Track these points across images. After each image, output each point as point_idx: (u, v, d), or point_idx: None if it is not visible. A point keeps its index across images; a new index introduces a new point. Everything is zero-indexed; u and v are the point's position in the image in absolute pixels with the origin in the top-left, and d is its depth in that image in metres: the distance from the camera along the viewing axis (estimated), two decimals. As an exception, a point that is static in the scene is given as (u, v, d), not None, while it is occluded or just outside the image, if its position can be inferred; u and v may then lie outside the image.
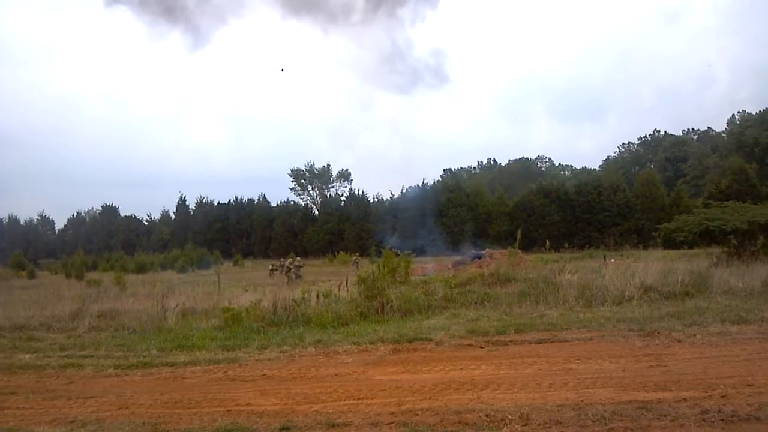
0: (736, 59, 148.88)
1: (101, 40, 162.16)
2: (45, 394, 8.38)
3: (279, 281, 30.81)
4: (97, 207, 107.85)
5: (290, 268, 36.95)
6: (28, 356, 11.35)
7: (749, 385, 6.80)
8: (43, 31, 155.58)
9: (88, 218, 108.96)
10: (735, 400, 6.28)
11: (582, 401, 6.46)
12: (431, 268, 28.69)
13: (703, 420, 5.71)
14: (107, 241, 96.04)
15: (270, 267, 41.73)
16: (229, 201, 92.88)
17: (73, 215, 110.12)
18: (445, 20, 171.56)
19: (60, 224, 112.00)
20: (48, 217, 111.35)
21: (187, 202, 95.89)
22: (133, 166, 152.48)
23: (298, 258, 40.57)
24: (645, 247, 36.74)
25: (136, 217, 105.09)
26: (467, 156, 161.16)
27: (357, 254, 48.07)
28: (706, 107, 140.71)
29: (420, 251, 36.00)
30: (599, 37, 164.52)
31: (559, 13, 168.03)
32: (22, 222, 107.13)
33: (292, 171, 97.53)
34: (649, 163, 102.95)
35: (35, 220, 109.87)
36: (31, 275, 54.32)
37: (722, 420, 5.69)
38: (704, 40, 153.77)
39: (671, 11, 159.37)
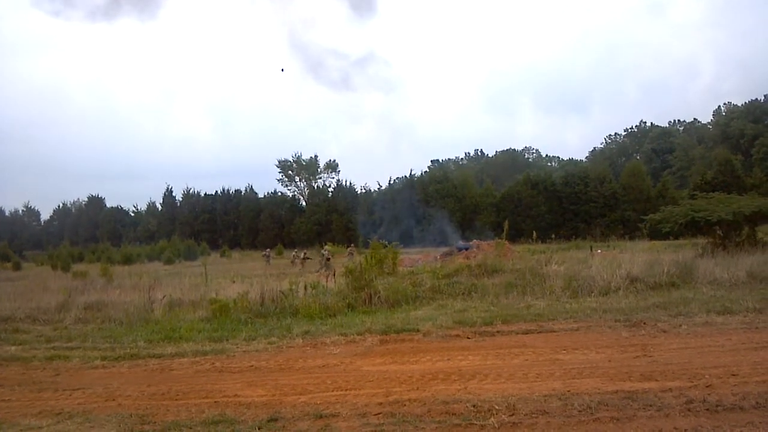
0: (720, 51, 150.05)
1: (84, 30, 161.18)
2: (31, 386, 8.34)
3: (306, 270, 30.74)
4: (83, 198, 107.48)
5: (305, 258, 36.38)
6: (14, 348, 11.29)
7: (734, 375, 6.86)
8: (25, 22, 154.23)
9: (73, 209, 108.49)
10: (720, 389, 6.33)
11: (568, 391, 6.49)
12: (419, 259, 28.74)
13: (688, 410, 5.75)
14: (93, 233, 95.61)
15: (302, 255, 41.15)
16: (216, 192, 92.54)
17: (58, 206, 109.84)
18: (432, 11, 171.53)
19: (45, 215, 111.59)
20: (33, 208, 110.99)
21: (173, 194, 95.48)
22: (118, 157, 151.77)
23: (328, 247, 39.72)
24: (631, 238, 36.85)
25: (122, 208, 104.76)
26: (454, 147, 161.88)
27: (352, 245, 47.57)
28: (690, 99, 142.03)
29: (407, 242, 36.05)
30: (584, 29, 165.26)
31: (543, 4, 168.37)
32: (7, 213, 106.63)
33: (279, 162, 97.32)
34: (635, 155, 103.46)
35: (20, 211, 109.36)
36: (17, 267, 54.08)
37: (707, 410, 5.73)
38: (689, 32, 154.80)
39: (655, 3, 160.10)
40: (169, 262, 53.49)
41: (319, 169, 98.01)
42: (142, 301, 15.02)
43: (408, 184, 79.12)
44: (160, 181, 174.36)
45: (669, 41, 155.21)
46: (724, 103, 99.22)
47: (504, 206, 69.75)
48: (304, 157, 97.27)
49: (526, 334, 10.11)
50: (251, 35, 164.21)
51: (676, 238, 30.31)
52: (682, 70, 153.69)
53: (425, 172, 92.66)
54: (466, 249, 29.48)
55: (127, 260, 55.49)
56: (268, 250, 52.88)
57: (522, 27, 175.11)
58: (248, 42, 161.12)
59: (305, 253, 42.20)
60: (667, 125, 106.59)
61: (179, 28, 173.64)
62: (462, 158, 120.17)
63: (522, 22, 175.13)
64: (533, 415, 5.80)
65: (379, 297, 14.03)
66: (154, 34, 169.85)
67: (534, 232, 26.61)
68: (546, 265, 16.04)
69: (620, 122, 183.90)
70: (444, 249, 34.03)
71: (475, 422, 5.71)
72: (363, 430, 5.68)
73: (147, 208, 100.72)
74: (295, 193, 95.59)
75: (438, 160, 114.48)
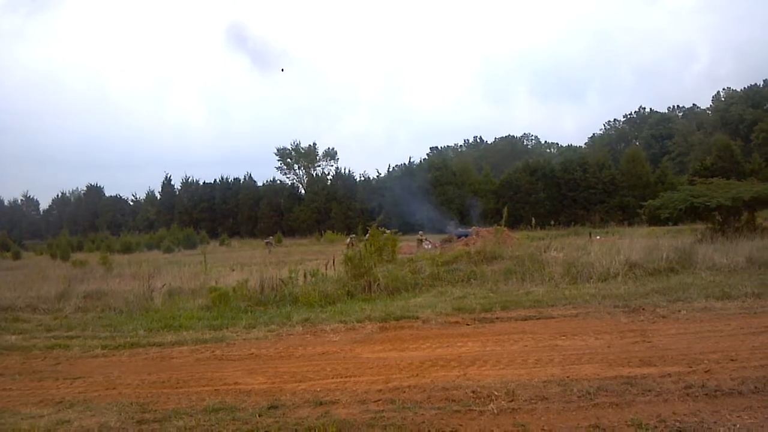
0: (715, 36, 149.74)
1: (78, 18, 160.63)
2: (32, 375, 8.35)
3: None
4: (82, 187, 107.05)
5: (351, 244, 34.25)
6: (14, 337, 11.30)
7: (733, 360, 6.87)
8: (18, 11, 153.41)
9: (73, 198, 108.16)
10: (719, 375, 6.34)
11: (567, 377, 6.51)
12: (420, 245, 28.77)
13: (687, 395, 5.76)
14: (92, 222, 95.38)
15: (348, 241, 39.09)
16: (215, 180, 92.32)
17: (57, 196, 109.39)
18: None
19: (44, 205, 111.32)
20: (32, 198, 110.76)
21: (172, 182, 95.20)
22: (116, 146, 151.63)
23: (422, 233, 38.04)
24: (630, 224, 36.94)
25: (121, 197, 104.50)
26: (453, 134, 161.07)
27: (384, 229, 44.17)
28: (687, 84, 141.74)
29: (407, 229, 35.99)
30: (578, 15, 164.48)
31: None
32: (6, 202, 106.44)
33: (278, 150, 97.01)
34: (634, 141, 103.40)
35: (19, 201, 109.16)
36: (16, 256, 53.98)
37: (706, 395, 5.74)
38: (683, 17, 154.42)
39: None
40: (168, 250, 53.40)
41: (317, 157, 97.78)
42: (142, 290, 15.02)
43: (407, 172, 79.13)
44: (158, 169, 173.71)
45: (664, 26, 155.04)
46: (723, 89, 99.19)
47: (503, 193, 69.84)
48: (302, 145, 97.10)
49: (526, 320, 10.12)
50: (250, 25, 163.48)
51: (676, 223, 30.33)
52: (678, 55, 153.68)
53: (424, 159, 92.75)
54: (466, 236, 29.52)
55: (127, 249, 55.42)
56: (270, 237, 52.71)
57: (516, 12, 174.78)
58: (248, 31, 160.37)
59: (350, 239, 41.28)
60: (666, 111, 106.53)
61: (173, 15, 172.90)
62: (461, 145, 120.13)
63: (516, 6, 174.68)
64: (532, 401, 5.82)
65: (378, 284, 14.05)
66: (148, 21, 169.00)
67: (533, 218, 26.64)
68: (545, 252, 16.07)
69: (618, 108, 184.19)
70: (443, 236, 34.06)
71: (475, 408, 5.72)
72: (363, 417, 5.68)
73: (146, 197, 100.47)
74: (294, 181, 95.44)
75: (437, 147, 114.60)
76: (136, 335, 10.77)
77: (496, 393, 6.07)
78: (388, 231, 18.81)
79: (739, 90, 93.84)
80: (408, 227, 38.52)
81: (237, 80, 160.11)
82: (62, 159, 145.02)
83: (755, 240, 17.30)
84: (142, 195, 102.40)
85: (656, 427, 5.06)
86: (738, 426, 5.01)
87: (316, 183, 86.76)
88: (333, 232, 62.17)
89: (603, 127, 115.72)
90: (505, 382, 6.44)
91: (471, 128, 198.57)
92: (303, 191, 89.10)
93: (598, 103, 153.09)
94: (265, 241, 49.55)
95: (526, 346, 8.27)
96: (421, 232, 34.76)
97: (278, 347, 9.27)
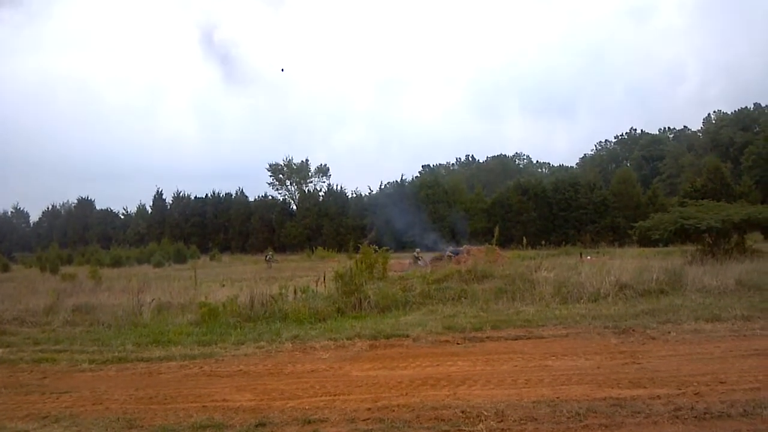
0: (705, 57, 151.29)
1: (68, 29, 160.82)
2: (18, 389, 8.28)
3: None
4: (73, 200, 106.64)
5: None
6: (0, 351, 11.19)
7: (722, 383, 6.89)
8: (7, 22, 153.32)
9: (63, 211, 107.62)
10: (708, 397, 6.35)
11: (557, 398, 6.50)
12: (406, 264, 28.73)
13: (677, 417, 5.76)
14: (83, 235, 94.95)
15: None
16: (207, 195, 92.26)
17: (48, 208, 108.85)
18: (418, 14, 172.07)
19: (35, 217, 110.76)
20: (22, 210, 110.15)
21: (163, 196, 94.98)
22: (108, 158, 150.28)
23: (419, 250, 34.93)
24: (621, 245, 36.96)
25: (112, 210, 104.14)
26: (445, 152, 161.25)
27: (418, 250, 39.22)
28: (678, 105, 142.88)
29: (398, 247, 35.94)
30: (570, 33, 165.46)
31: (530, 8, 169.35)
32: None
33: (270, 166, 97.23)
34: (625, 162, 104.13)
35: (9, 213, 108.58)
36: (5, 268, 53.64)
37: (695, 417, 5.75)
38: (674, 37, 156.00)
39: (639, 8, 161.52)
40: (158, 265, 53.10)
41: (310, 173, 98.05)
42: (131, 304, 14.91)
43: (399, 189, 79.30)
44: (149, 182, 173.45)
45: (655, 45, 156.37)
46: (714, 111, 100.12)
47: (494, 212, 70.02)
48: (295, 161, 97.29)
49: (516, 340, 10.12)
50: (242, 39, 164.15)
51: (666, 245, 30.41)
52: (669, 75, 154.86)
53: (416, 177, 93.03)
54: (457, 254, 29.50)
55: (117, 263, 55.09)
56: (269, 253, 51.43)
57: (508, 30, 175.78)
58: (239, 46, 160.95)
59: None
60: (657, 132, 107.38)
61: (165, 28, 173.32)
62: (453, 163, 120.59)
63: (508, 24, 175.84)
64: (522, 422, 5.80)
65: (369, 302, 14.01)
66: (140, 33, 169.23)
67: (524, 238, 26.65)
68: (536, 271, 16.05)
69: (609, 128, 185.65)
70: (434, 253, 33.98)
71: (464, 428, 5.71)
72: (351, 436, 5.66)
73: (137, 211, 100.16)
74: (286, 196, 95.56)
75: (429, 165, 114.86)
76: (124, 350, 10.68)
77: (485, 413, 6.05)
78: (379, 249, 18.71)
79: (729, 112, 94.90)
80: (399, 245, 38.47)
81: (229, 94, 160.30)
82: (53, 171, 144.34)
83: (745, 262, 17.38)
84: (132, 208, 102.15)
85: (645, 449, 5.07)
86: (727, 449, 5.02)
87: (307, 199, 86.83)
88: (324, 248, 62.13)
89: (594, 148, 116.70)
90: (494, 402, 6.43)
91: (463, 146, 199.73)
92: (295, 207, 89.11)
93: (589, 122, 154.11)
94: (266, 257, 48.44)
95: (516, 366, 8.26)
96: (418, 250, 33.74)
97: (267, 364, 9.23)
